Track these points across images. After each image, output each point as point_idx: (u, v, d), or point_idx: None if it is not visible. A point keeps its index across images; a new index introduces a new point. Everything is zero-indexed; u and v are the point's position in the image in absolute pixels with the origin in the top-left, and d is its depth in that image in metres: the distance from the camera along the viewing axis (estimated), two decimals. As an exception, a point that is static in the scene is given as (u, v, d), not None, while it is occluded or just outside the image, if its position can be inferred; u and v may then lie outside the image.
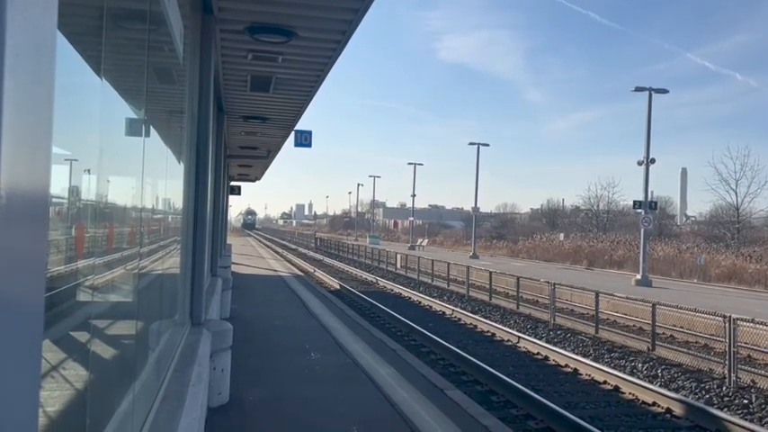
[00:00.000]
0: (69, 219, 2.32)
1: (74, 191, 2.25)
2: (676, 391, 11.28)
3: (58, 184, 2.02)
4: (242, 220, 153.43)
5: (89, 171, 2.36)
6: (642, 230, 31.18)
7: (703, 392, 11.40)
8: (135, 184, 3.35)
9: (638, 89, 31.34)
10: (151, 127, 3.65)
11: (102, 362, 2.77)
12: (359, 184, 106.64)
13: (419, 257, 35.41)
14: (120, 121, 2.98)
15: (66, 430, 2.22)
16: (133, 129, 3.26)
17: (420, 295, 25.00)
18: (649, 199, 31.95)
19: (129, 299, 3.32)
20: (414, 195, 68.52)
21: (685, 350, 14.27)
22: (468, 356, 12.77)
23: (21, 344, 0.83)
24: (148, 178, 3.66)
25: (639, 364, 13.43)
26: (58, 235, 2.15)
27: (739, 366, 12.08)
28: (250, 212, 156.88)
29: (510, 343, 15.68)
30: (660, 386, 11.39)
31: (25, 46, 0.80)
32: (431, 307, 22.38)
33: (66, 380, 2.20)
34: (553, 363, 13.49)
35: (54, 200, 1.95)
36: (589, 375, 12.19)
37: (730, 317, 12.60)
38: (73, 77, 2.10)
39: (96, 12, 2.33)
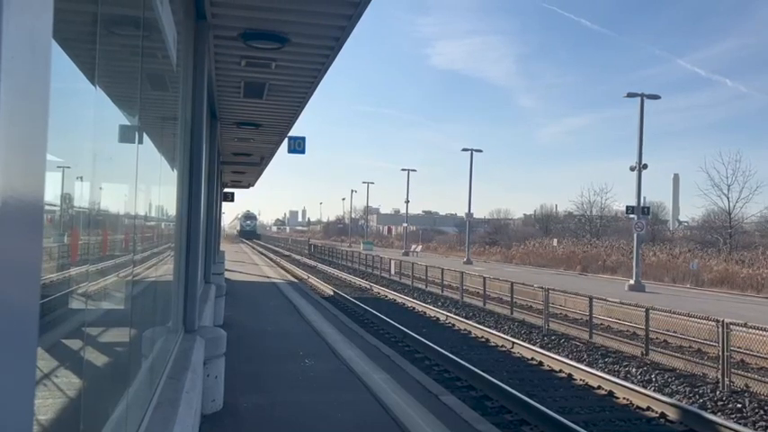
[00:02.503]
0: (62, 226, 2.31)
1: (66, 198, 2.24)
2: (670, 395, 11.30)
3: (51, 191, 2.01)
4: (238, 227, 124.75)
5: (82, 178, 2.35)
6: (635, 236, 31.30)
7: (697, 397, 11.43)
8: (128, 190, 3.34)
9: (631, 95, 31.39)
10: (144, 134, 3.64)
11: (96, 369, 2.75)
12: (352, 191, 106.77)
13: (413, 263, 35.41)
14: (113, 127, 2.97)
15: (59, 438, 2.21)
16: (126, 135, 3.25)
17: (414, 301, 24.97)
18: (642, 204, 32.07)
19: (122, 306, 3.30)
20: (407, 201, 68.69)
21: (679, 355, 14.33)
22: (463, 362, 12.76)
23: (16, 350, 0.83)
24: (142, 185, 3.65)
25: (633, 369, 13.45)
26: (50, 242, 2.14)
27: (732, 371, 12.11)
28: (249, 217, 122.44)
29: (504, 348, 15.69)
30: (654, 391, 11.41)
31: (20, 49, 0.80)
32: (425, 313, 22.36)
33: (59, 387, 2.18)
34: (547, 368, 13.49)
35: (46, 207, 1.94)
36: (583, 380, 12.20)
37: (723, 321, 12.65)
38: (66, 84, 2.09)
39: (90, 18, 2.32)
